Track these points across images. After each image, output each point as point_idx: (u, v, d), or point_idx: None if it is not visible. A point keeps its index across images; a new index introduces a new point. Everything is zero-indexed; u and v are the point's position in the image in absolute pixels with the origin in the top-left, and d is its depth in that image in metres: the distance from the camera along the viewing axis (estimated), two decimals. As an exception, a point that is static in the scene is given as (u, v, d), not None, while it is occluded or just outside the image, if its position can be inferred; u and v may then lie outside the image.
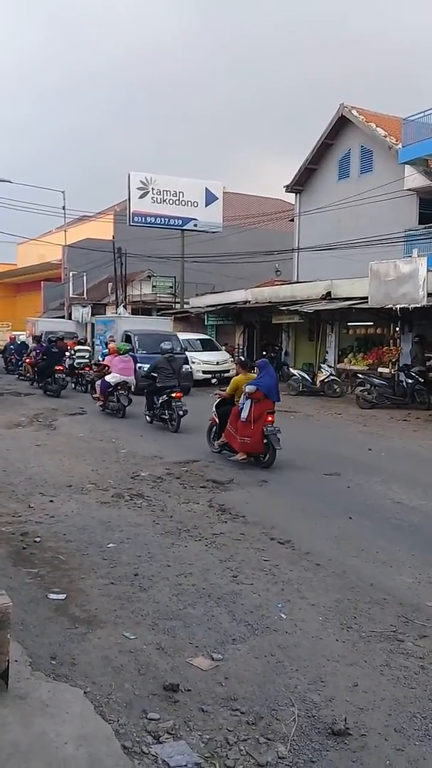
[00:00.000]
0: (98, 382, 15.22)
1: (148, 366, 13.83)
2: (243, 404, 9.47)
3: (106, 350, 17.59)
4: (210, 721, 3.18)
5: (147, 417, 13.09)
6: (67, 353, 19.69)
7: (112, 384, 14.38)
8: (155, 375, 12.82)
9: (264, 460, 9.40)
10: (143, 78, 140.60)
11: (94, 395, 15.78)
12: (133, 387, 14.78)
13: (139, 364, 16.81)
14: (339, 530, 6.43)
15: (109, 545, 5.72)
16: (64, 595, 4.61)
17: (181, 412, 12.11)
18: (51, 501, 7.17)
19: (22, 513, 6.70)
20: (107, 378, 14.56)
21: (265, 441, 9.27)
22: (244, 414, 9.35)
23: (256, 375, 9.78)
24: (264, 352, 23.77)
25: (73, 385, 19.44)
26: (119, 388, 14.32)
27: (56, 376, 18.07)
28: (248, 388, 9.41)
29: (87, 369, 19.34)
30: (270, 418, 9.35)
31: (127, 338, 19.87)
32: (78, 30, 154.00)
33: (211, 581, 4.95)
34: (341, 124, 24.32)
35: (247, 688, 3.49)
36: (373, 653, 3.93)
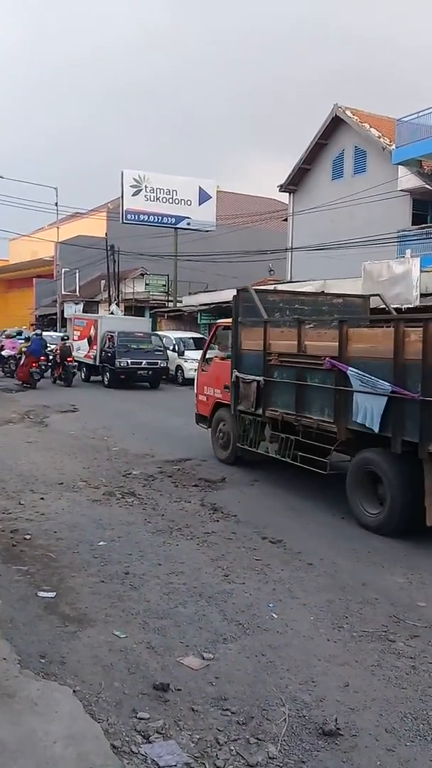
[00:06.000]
0: None
1: None
2: (20, 357, 20.26)
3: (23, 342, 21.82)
4: (200, 721, 3.16)
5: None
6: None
7: (5, 357, 23.10)
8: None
9: (30, 385, 19.00)
10: (133, 75, 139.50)
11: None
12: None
13: None
14: (331, 530, 6.42)
15: (99, 543, 5.69)
16: (54, 593, 4.58)
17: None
18: (42, 498, 7.13)
19: (13, 510, 6.65)
20: (2, 353, 23.53)
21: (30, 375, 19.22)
22: (22, 362, 19.71)
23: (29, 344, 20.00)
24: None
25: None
26: (9, 359, 22.76)
27: None
28: (24, 349, 19.92)
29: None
30: (34, 365, 19.10)
31: None
32: (68, 24, 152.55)
33: (203, 580, 4.93)
34: (335, 125, 24.38)
35: (237, 688, 3.47)
36: (365, 653, 3.92)
